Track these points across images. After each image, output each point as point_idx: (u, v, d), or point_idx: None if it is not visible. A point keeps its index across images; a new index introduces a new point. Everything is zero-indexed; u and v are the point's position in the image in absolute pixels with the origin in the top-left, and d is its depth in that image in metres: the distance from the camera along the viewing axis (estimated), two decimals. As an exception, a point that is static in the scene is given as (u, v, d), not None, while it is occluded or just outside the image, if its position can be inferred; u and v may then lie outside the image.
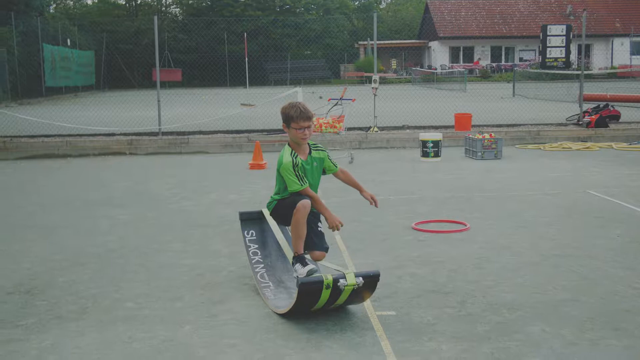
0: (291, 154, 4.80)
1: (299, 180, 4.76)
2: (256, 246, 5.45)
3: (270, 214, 5.12)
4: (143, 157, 13.36)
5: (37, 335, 4.34)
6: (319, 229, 4.98)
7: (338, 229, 4.81)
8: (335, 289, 4.36)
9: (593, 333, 4.24)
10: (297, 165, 4.77)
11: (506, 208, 7.92)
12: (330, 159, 5.06)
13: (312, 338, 4.25)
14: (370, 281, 4.46)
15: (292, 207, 4.73)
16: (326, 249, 4.94)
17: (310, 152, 4.91)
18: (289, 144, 4.88)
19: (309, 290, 4.33)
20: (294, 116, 4.75)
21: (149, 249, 6.42)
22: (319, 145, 5.05)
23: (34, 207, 8.47)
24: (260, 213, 5.56)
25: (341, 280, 4.35)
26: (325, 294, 4.36)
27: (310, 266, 4.72)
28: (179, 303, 4.91)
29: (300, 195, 4.77)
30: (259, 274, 5.20)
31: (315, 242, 4.89)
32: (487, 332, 4.27)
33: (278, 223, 5.17)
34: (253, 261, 5.33)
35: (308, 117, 4.76)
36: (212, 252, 6.27)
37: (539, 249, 6.17)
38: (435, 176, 10.28)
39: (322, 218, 5.00)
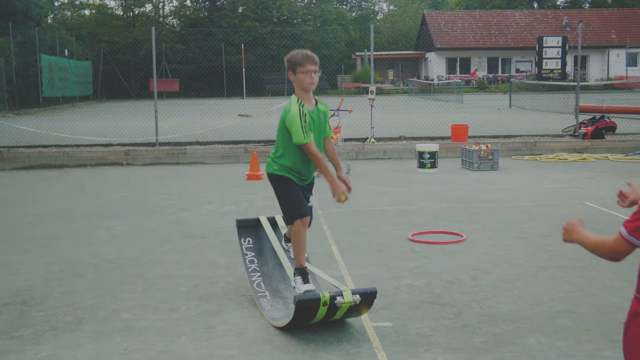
0: (298, 103, 4.63)
1: (304, 133, 4.56)
2: (253, 254, 5.43)
3: (267, 175, 4.89)
4: (140, 168, 13.36)
5: (33, 347, 4.34)
6: (310, 203, 4.87)
7: (342, 201, 4.56)
8: (332, 306, 4.34)
9: (589, 344, 4.25)
10: (304, 114, 4.59)
11: (503, 219, 7.94)
12: (327, 121, 4.93)
13: (308, 349, 4.25)
14: (367, 298, 4.45)
15: (284, 201, 4.71)
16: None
17: (316, 104, 4.77)
18: (295, 94, 4.72)
19: (305, 307, 4.32)
20: (300, 60, 4.62)
21: (146, 259, 6.42)
22: (322, 101, 4.96)
23: (31, 218, 8.47)
24: (257, 220, 5.56)
25: (338, 298, 4.32)
26: (322, 311, 4.35)
27: (310, 287, 4.67)
28: (175, 314, 4.91)
29: (300, 156, 4.65)
30: (255, 283, 5.19)
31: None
32: (484, 344, 4.28)
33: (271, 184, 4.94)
34: (249, 269, 5.31)
35: (314, 60, 4.65)
36: (209, 263, 6.27)
37: (535, 260, 6.18)
38: (432, 187, 10.30)
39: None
